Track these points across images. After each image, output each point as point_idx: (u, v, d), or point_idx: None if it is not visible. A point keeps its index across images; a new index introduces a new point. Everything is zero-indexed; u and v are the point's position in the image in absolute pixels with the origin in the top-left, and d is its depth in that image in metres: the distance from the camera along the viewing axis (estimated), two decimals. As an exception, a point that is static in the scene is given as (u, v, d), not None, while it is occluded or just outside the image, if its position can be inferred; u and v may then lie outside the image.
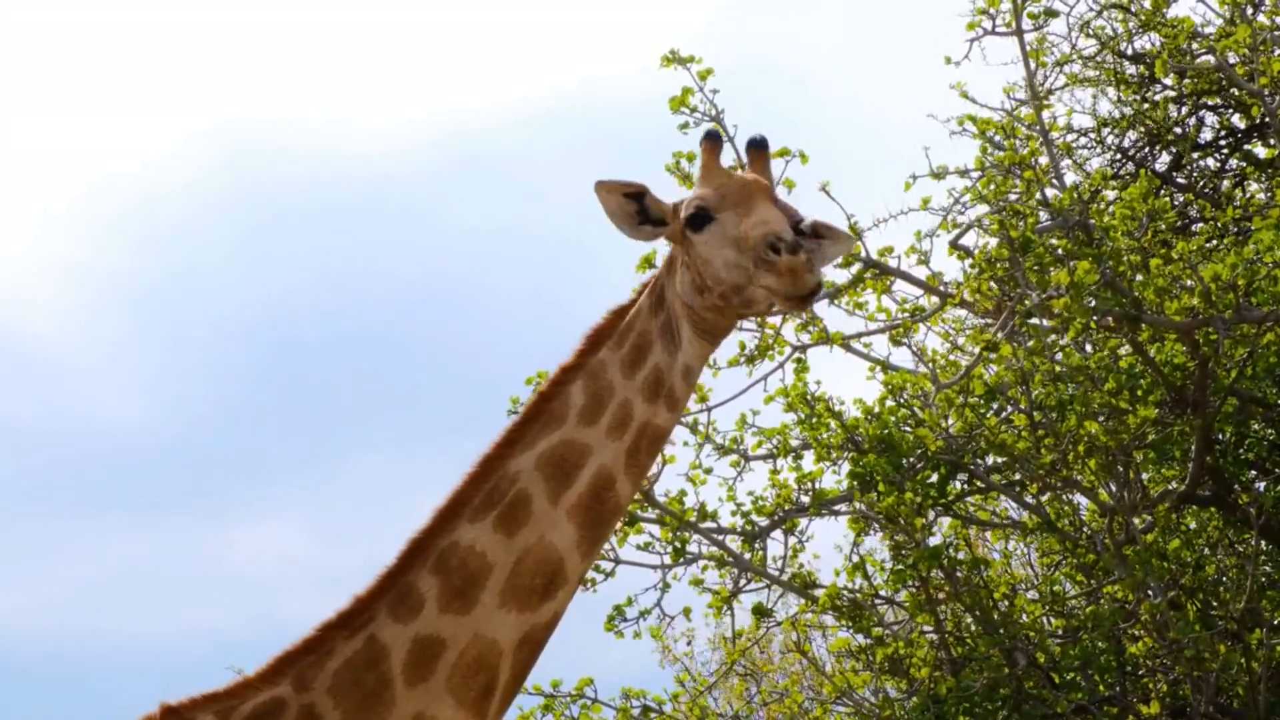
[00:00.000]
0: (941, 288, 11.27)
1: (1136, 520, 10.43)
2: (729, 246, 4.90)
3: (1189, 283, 10.17)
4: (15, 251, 29.97)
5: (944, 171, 11.37)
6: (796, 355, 11.23)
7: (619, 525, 11.04)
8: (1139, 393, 10.37)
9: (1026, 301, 10.21)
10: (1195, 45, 12.53)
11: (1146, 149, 13.34)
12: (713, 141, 5.22)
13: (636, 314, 5.09)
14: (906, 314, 11.37)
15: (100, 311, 30.93)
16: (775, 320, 11.25)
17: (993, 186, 10.93)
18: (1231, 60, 12.05)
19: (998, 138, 11.49)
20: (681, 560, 11.18)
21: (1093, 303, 9.91)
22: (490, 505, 4.93)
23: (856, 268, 11.19)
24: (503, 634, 4.86)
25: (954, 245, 11.28)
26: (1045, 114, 11.76)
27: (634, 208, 5.16)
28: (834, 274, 11.25)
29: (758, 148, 5.26)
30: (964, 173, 11.42)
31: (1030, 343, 10.45)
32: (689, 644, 11.95)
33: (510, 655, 4.89)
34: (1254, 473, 11.23)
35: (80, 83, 31.36)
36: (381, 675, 4.82)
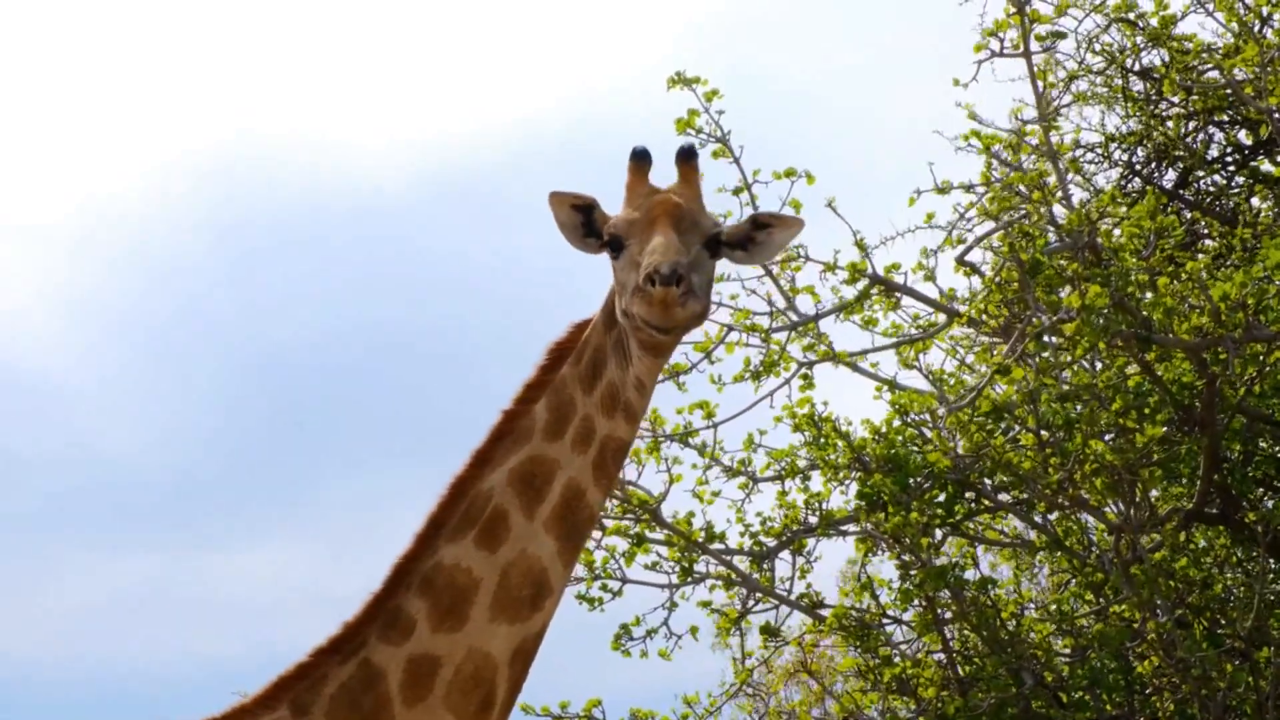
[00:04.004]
0: (950, 305, 11.27)
1: (1145, 539, 10.41)
2: (633, 272, 4.89)
3: (1196, 302, 10.16)
4: (14, 284, 30.11)
5: (948, 187, 11.37)
6: (803, 372, 11.23)
7: (627, 547, 11.10)
8: (1146, 411, 10.37)
9: (1036, 323, 10.20)
10: (1203, 62, 12.52)
11: (1154, 165, 13.34)
12: (639, 161, 5.15)
13: (592, 330, 5.14)
14: (916, 330, 11.36)
15: (98, 343, 31.08)
16: (780, 336, 11.26)
17: (1000, 202, 10.94)
18: (1239, 77, 12.04)
19: (1003, 153, 11.49)
20: (689, 580, 11.19)
21: (1102, 323, 9.90)
22: (469, 524, 4.98)
23: (863, 284, 11.20)
24: (497, 647, 4.91)
25: (960, 261, 11.29)
26: (1053, 135, 11.77)
27: (580, 219, 5.18)
28: (840, 290, 11.27)
29: (685, 159, 5.17)
30: (968, 188, 11.43)
31: (1038, 362, 10.44)
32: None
33: (505, 668, 4.93)
34: (1262, 491, 11.21)
35: (74, 107, 31.52)
36: (379, 697, 4.86)
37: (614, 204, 5.21)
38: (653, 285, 4.71)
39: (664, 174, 5.26)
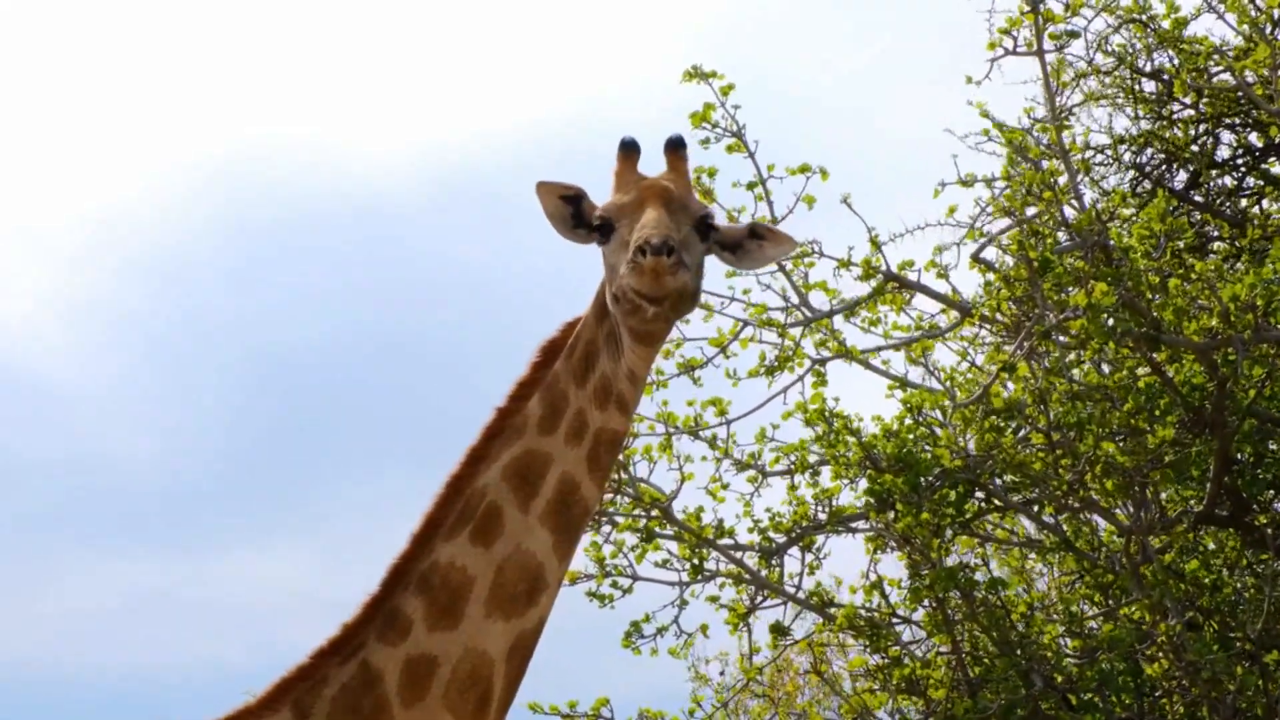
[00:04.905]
0: (962, 302, 11.26)
1: (1155, 541, 10.40)
2: (624, 253, 4.93)
3: (1206, 303, 10.15)
4: (17, 288, 30.20)
5: (972, 179, 11.36)
6: (815, 368, 11.23)
7: (636, 543, 11.12)
8: (1157, 413, 10.35)
9: (1047, 319, 10.19)
10: (1214, 64, 12.49)
11: (1164, 167, 13.31)
12: (627, 150, 5.23)
13: (584, 325, 5.16)
14: (924, 331, 11.36)
15: (102, 347, 31.14)
16: (795, 332, 11.26)
17: (1020, 197, 10.92)
18: (1250, 80, 12.02)
19: (1024, 149, 11.47)
20: (699, 577, 11.19)
21: (1110, 323, 9.88)
22: (464, 521, 5.00)
23: (876, 280, 11.19)
24: (493, 644, 4.92)
25: (975, 259, 11.27)
26: (1064, 134, 11.74)
27: (569, 210, 5.22)
28: (853, 286, 11.29)
29: (674, 148, 5.27)
30: (990, 182, 11.41)
31: (1048, 362, 10.43)
32: (722, 672, 11.87)
33: (502, 664, 4.93)
34: (1272, 493, 11.18)
35: (78, 112, 31.58)
36: (378, 699, 4.88)
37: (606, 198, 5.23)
38: (643, 256, 4.75)
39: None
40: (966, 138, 11.64)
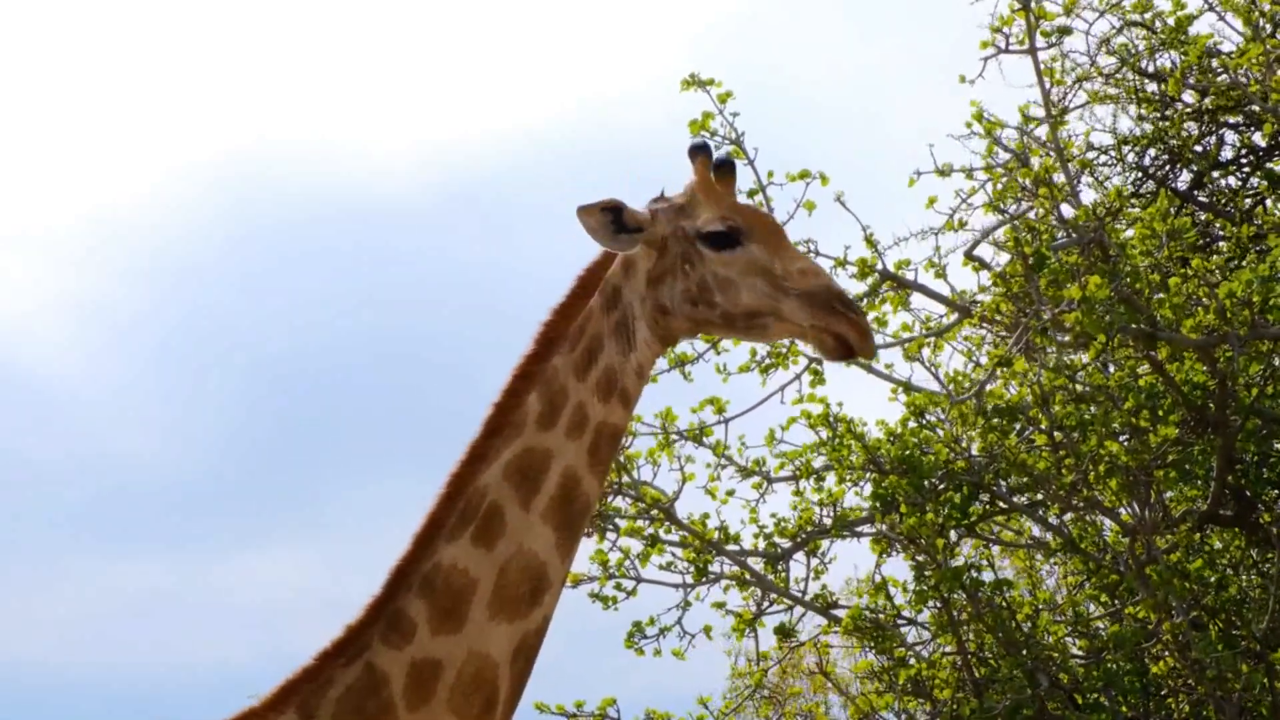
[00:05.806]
0: (960, 302, 11.26)
1: (1159, 540, 10.40)
2: (758, 276, 5.02)
3: (1204, 299, 10.15)
4: (24, 291, 30.25)
5: (948, 169, 11.38)
6: (812, 366, 11.23)
7: (642, 547, 11.12)
8: (1159, 412, 10.35)
9: (1042, 314, 10.19)
10: (1214, 63, 12.50)
11: (1167, 167, 13.31)
12: (706, 155, 5.25)
13: (588, 316, 5.16)
14: (925, 331, 11.36)
15: (108, 349, 31.23)
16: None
17: (1000, 186, 10.92)
18: (1248, 79, 12.03)
19: (1008, 141, 11.48)
20: (704, 580, 11.19)
21: (1107, 318, 9.88)
22: (466, 522, 4.99)
23: (872, 279, 11.20)
24: (496, 647, 4.91)
25: (969, 256, 11.28)
26: (1061, 132, 11.74)
27: (609, 219, 5.19)
28: (850, 285, 11.30)
29: (728, 170, 5.27)
30: (969, 171, 11.43)
31: (1050, 361, 10.44)
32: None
33: (507, 667, 4.93)
34: (1276, 493, 11.17)
35: (83, 115, 31.63)
36: (383, 702, 4.87)
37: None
38: (850, 310, 4.94)
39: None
40: (961, 138, 11.67)
